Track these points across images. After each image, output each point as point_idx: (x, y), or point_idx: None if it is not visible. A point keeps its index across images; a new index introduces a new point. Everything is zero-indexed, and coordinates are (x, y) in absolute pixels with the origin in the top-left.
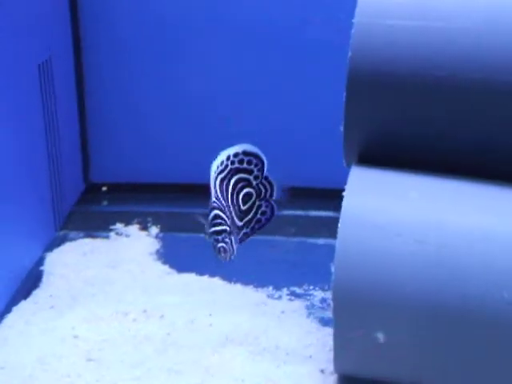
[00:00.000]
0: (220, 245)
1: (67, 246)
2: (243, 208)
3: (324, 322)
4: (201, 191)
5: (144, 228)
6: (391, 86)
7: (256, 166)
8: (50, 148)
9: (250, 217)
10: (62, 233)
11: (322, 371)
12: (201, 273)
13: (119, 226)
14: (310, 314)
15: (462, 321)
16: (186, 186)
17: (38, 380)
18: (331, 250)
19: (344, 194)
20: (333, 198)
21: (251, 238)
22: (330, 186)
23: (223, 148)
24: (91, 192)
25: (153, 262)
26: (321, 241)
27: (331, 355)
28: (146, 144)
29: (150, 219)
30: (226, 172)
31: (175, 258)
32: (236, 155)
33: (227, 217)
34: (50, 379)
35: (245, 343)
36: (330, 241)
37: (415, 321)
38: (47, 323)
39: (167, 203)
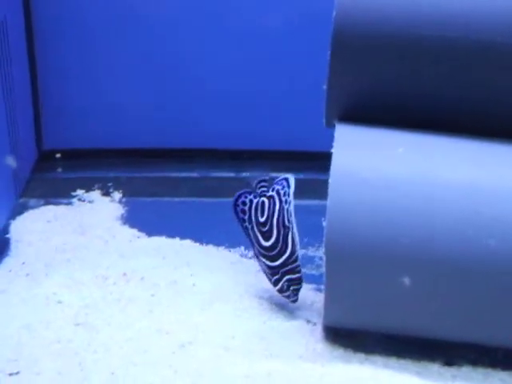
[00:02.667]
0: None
1: (30, 214)
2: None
3: None
4: (159, 155)
5: (106, 193)
6: (376, 44)
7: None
8: (8, 113)
9: None
10: (21, 200)
11: (308, 321)
12: (171, 235)
13: (80, 192)
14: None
15: (452, 269)
16: (144, 151)
17: (27, 347)
18: (301, 209)
19: (332, 150)
20: (296, 159)
21: (218, 200)
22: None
23: (179, 110)
24: (45, 159)
25: (120, 226)
26: None
27: (313, 309)
28: (101, 109)
29: (110, 184)
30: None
31: (142, 222)
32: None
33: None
34: (39, 345)
35: (230, 301)
36: (301, 202)
37: (408, 271)
38: (27, 291)
39: (125, 168)
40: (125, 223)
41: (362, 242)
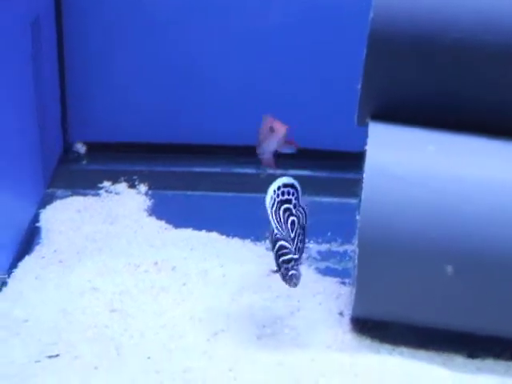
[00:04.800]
0: (291, 272)
1: (59, 204)
2: (292, 236)
3: (324, 273)
4: (183, 150)
5: (132, 186)
6: (411, 46)
7: (293, 195)
8: (39, 107)
9: (297, 244)
10: (49, 191)
11: (337, 313)
12: (198, 228)
13: (107, 184)
14: (309, 265)
15: (483, 267)
16: (168, 146)
17: (65, 331)
18: (325, 207)
19: (366, 147)
20: (324, 158)
21: (239, 195)
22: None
23: (203, 107)
24: (70, 151)
25: (148, 218)
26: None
27: (340, 302)
28: (124, 103)
29: (136, 177)
30: (275, 204)
31: (168, 214)
32: (278, 188)
33: (290, 245)
34: (76, 330)
35: (259, 291)
36: (326, 199)
37: (437, 267)
38: (61, 278)
39: (150, 162)
40: (151, 215)
41: (394, 237)
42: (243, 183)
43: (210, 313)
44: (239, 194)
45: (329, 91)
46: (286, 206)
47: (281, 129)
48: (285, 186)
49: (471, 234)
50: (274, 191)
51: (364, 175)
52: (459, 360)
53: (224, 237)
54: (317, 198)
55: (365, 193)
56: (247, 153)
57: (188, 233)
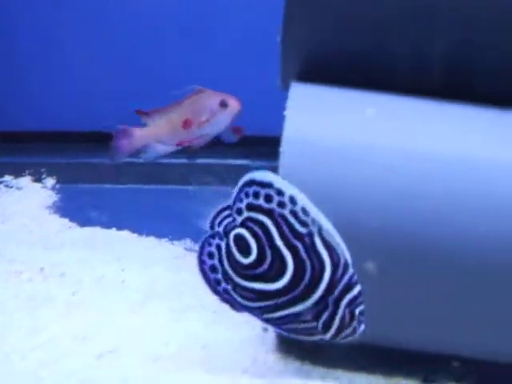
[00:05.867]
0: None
1: None
2: None
3: None
4: (101, 139)
5: (37, 180)
6: None
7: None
8: None
9: None
10: None
11: (266, 329)
12: (107, 226)
13: (8, 178)
14: None
15: (427, 256)
16: (85, 135)
17: None
18: None
19: (285, 113)
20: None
21: (162, 187)
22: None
23: (122, 93)
24: None
25: (50, 215)
26: None
27: None
28: (36, 90)
29: (44, 170)
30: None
31: (76, 211)
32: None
33: None
34: None
35: (166, 301)
36: None
37: (374, 257)
38: None
39: (62, 153)
40: (55, 212)
41: None
42: (170, 174)
43: (99, 329)
44: (165, 186)
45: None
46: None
47: (235, 104)
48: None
49: (416, 222)
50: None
51: (281, 148)
52: None
53: (136, 235)
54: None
55: (281, 169)
56: None
57: (93, 231)
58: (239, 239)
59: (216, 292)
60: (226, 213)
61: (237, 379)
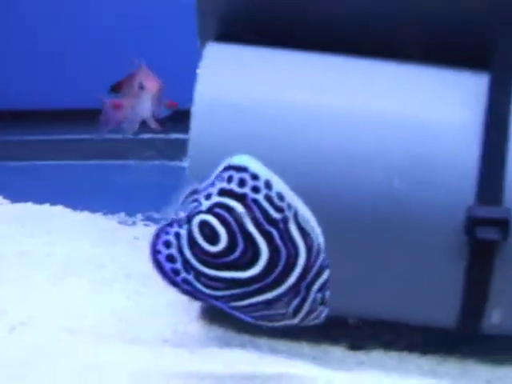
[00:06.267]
0: None
1: None
2: None
3: None
4: (34, 118)
5: None
6: None
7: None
8: None
9: None
10: None
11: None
12: (40, 202)
13: None
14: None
15: (339, 216)
16: (19, 112)
17: None
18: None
19: (198, 71)
20: None
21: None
22: None
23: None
24: None
25: None
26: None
27: None
28: None
29: None
30: None
31: (8, 187)
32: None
33: None
34: None
35: (88, 273)
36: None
37: None
38: None
39: None
40: None
41: None
42: (110, 150)
43: (16, 302)
44: (104, 161)
45: None
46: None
47: (153, 85)
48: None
49: (325, 177)
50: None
51: (192, 107)
52: (337, 353)
53: (70, 210)
54: (172, 163)
55: (193, 129)
56: None
57: (25, 207)
58: (205, 226)
59: (173, 283)
60: (193, 198)
61: (155, 349)
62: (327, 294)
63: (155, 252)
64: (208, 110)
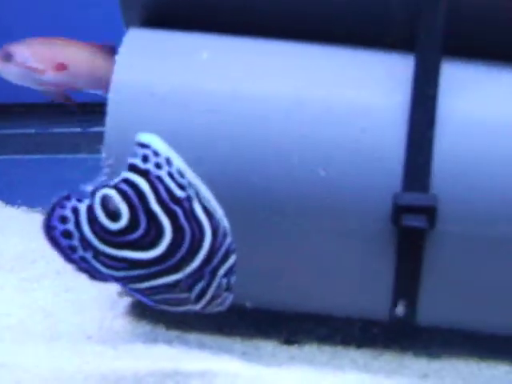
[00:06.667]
0: None
1: None
2: None
3: None
4: None
5: None
6: None
7: None
8: None
9: None
10: None
11: (121, 294)
12: None
13: None
14: None
15: (273, 205)
16: None
17: None
18: None
19: (115, 58)
20: None
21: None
22: None
23: None
24: None
25: None
26: None
27: None
28: None
29: None
30: None
31: None
32: None
33: None
34: None
35: (16, 269)
36: None
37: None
38: None
39: None
40: None
41: None
42: (60, 144)
43: None
44: (50, 155)
45: None
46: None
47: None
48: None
49: (257, 167)
50: None
51: (109, 94)
52: (268, 348)
53: (6, 206)
54: None
55: (109, 119)
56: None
57: None
58: (108, 202)
59: (70, 260)
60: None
61: (78, 346)
62: (232, 279)
63: (49, 228)
64: (124, 97)
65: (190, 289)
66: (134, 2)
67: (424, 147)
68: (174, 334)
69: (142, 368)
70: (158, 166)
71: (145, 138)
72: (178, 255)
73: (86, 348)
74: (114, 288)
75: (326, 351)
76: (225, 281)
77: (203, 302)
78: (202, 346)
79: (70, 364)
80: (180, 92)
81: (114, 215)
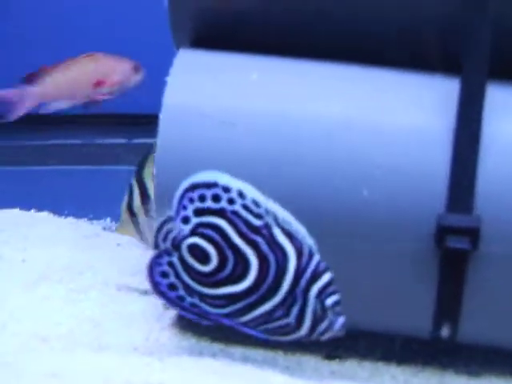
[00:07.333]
0: None
1: None
2: None
3: None
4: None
5: None
6: None
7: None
8: None
9: None
10: None
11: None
12: (27, 207)
13: None
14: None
15: (320, 227)
16: None
17: None
18: None
19: (167, 78)
20: None
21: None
22: None
23: None
24: None
25: None
26: None
27: None
28: None
29: None
30: None
31: None
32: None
33: None
34: None
35: (64, 280)
36: None
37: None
38: None
39: None
40: None
41: None
42: (102, 155)
43: None
44: (88, 167)
45: None
46: None
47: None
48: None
49: (303, 189)
50: None
51: (160, 114)
52: (311, 363)
53: (55, 216)
54: None
55: (160, 137)
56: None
57: (9, 213)
58: (194, 249)
59: (182, 309)
60: (169, 226)
61: (124, 357)
62: (330, 300)
63: (156, 284)
64: (175, 117)
65: (287, 314)
66: (185, 24)
67: (468, 169)
68: (218, 347)
69: (188, 380)
70: (231, 201)
71: (207, 176)
72: (268, 281)
73: (133, 359)
74: (153, 302)
75: (366, 367)
76: (320, 302)
77: (305, 326)
78: (245, 359)
79: (119, 375)
80: (231, 113)
81: (203, 259)
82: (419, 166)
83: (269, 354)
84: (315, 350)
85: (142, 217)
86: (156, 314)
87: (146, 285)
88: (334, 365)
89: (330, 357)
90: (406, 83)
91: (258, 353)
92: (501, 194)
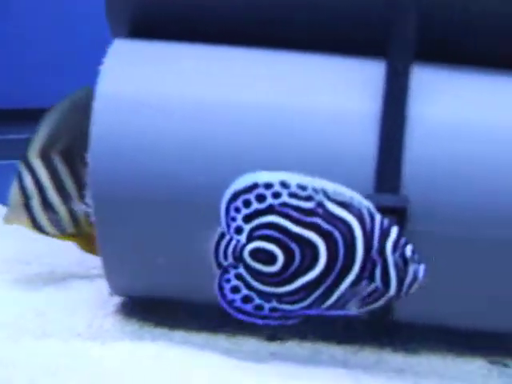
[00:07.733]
0: None
1: None
2: None
3: None
4: None
5: None
6: None
7: None
8: None
9: None
10: None
11: (111, 294)
12: None
13: None
14: None
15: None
16: None
17: None
18: None
19: (100, 68)
20: None
21: None
22: None
23: None
24: None
25: None
26: None
27: None
28: None
29: None
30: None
31: None
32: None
33: None
34: None
35: (10, 271)
36: None
37: (191, 216)
38: None
39: None
40: None
41: (131, 187)
42: None
43: None
44: None
45: None
46: None
47: None
48: None
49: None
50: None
51: (94, 103)
52: (250, 344)
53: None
54: None
55: (94, 127)
56: None
57: None
58: (257, 253)
59: (262, 318)
60: (225, 241)
61: (67, 343)
62: (408, 250)
63: (230, 303)
64: (109, 106)
65: (372, 279)
66: (121, 14)
67: (395, 149)
68: (159, 332)
69: (126, 362)
70: (276, 195)
71: (245, 181)
72: (340, 256)
73: (76, 344)
74: (105, 288)
75: (306, 347)
76: (400, 255)
77: (393, 285)
78: (186, 342)
79: (59, 360)
80: (165, 100)
81: (269, 259)
82: (347, 147)
83: (211, 337)
84: (256, 333)
85: (35, 201)
86: (100, 302)
87: (93, 273)
88: (275, 346)
89: (271, 338)
90: (333, 67)
91: (200, 336)
92: (427, 174)
